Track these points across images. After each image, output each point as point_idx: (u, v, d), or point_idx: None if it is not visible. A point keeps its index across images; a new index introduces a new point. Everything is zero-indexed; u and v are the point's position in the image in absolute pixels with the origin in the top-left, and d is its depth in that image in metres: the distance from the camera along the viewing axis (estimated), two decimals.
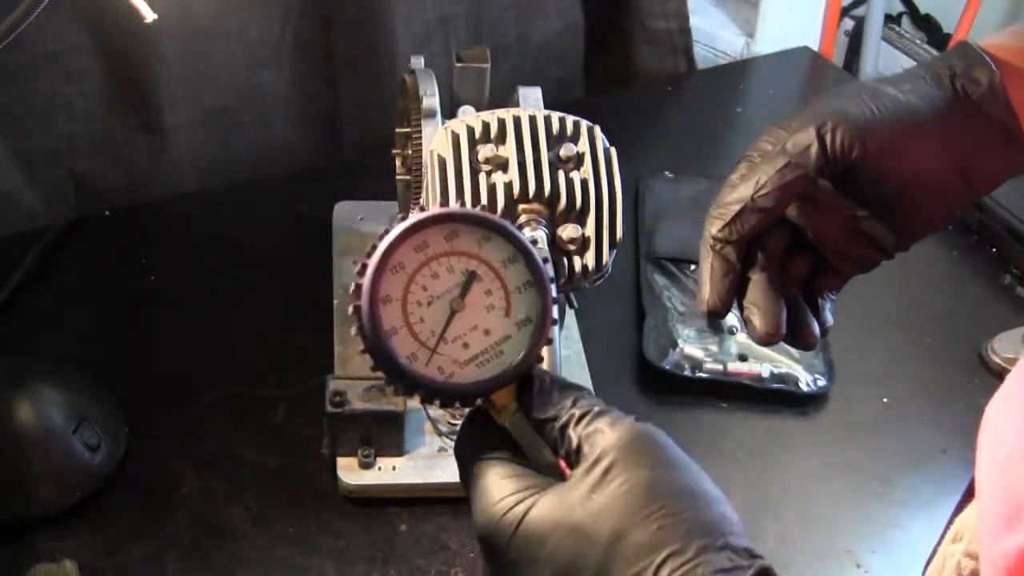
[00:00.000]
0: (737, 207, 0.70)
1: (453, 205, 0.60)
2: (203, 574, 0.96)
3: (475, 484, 0.58)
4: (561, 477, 0.58)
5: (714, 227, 0.71)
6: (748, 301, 0.72)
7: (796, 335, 0.74)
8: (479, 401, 0.60)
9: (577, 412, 0.58)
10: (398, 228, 0.59)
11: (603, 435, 0.57)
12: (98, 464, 1.01)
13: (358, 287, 0.58)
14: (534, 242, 0.61)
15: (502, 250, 0.60)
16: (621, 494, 0.54)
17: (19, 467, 0.99)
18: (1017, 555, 0.47)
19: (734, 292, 0.72)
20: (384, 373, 0.59)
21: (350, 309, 0.59)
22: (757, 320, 0.71)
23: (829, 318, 0.76)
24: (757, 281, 0.72)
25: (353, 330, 0.59)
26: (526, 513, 0.56)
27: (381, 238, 0.59)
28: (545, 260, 0.61)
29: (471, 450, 0.60)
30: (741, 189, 0.70)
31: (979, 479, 0.52)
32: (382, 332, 0.58)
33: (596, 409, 0.58)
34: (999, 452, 0.51)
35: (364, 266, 0.58)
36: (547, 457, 0.59)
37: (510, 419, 0.59)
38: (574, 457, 0.58)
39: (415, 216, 0.59)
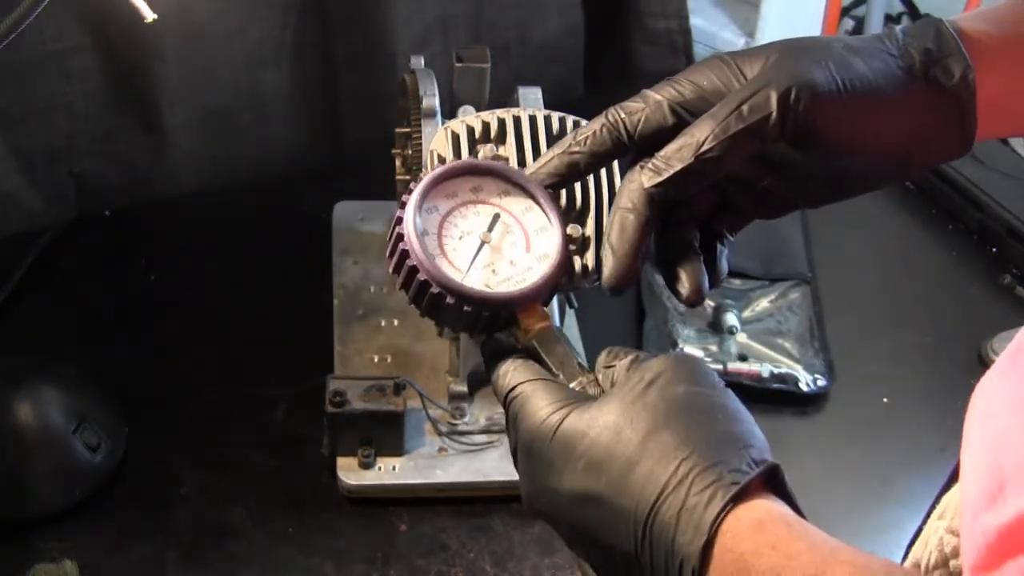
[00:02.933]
0: (679, 165, 0.64)
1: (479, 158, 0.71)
2: (203, 574, 0.96)
3: (520, 403, 0.62)
4: (588, 395, 0.63)
5: (648, 180, 0.64)
6: (606, 238, 0.66)
7: (685, 289, 0.67)
8: (506, 336, 0.67)
9: (629, 357, 0.63)
10: (432, 174, 0.68)
11: (649, 362, 0.61)
12: (98, 464, 1.01)
13: (399, 219, 0.66)
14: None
15: (520, 201, 0.68)
16: (658, 401, 0.59)
17: (19, 467, 0.99)
18: (997, 532, 0.46)
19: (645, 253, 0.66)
20: (425, 287, 0.65)
21: (388, 244, 0.66)
22: (606, 267, 0.65)
23: (725, 267, 0.70)
24: (626, 223, 0.65)
25: (391, 267, 0.66)
26: (566, 416, 0.60)
27: (416, 183, 0.67)
28: (558, 209, 0.68)
29: (498, 356, 0.65)
30: (683, 146, 0.64)
31: (965, 456, 0.52)
32: (427, 253, 0.65)
33: (643, 354, 0.63)
34: (988, 429, 0.50)
35: (403, 203, 0.66)
36: (573, 367, 0.64)
37: (536, 336, 0.65)
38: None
39: (447, 165, 0.68)
